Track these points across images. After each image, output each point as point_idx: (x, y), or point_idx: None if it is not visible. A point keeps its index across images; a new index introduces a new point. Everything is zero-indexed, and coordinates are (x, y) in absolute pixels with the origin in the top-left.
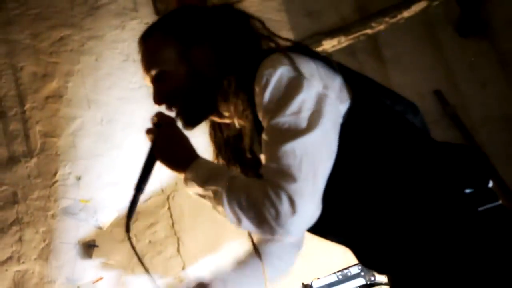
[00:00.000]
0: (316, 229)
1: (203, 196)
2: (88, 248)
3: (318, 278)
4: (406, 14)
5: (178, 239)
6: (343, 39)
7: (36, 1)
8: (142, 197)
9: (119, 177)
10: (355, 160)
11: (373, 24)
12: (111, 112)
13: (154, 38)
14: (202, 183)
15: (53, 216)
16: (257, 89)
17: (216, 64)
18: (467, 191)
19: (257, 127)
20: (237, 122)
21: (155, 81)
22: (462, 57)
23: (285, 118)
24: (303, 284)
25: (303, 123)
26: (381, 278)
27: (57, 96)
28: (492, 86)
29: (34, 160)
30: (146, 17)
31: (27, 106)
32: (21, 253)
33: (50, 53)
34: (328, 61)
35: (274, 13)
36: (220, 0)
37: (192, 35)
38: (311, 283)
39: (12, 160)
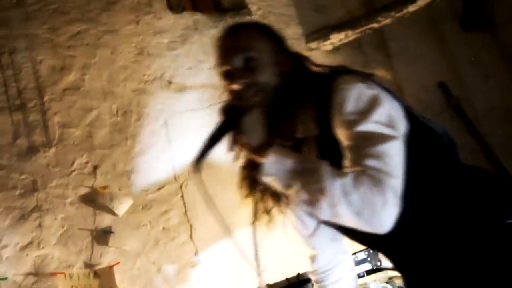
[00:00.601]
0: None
1: (286, 179)
2: (105, 234)
3: None
4: (411, 8)
5: (190, 226)
6: (350, 33)
7: None
8: (156, 186)
9: (133, 166)
10: (411, 177)
11: (379, 18)
12: (126, 104)
13: (250, 30)
14: (293, 165)
15: (71, 203)
16: (336, 102)
17: (295, 75)
18: (508, 221)
19: (320, 138)
20: (299, 132)
21: (246, 62)
22: (466, 51)
23: (371, 125)
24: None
25: (387, 131)
26: (387, 263)
27: (74, 88)
28: (495, 79)
29: (53, 150)
30: (159, 12)
31: (46, 98)
32: (41, 238)
33: (67, 47)
34: (386, 88)
35: (283, 8)
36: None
37: (282, 42)
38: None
39: (32, 150)
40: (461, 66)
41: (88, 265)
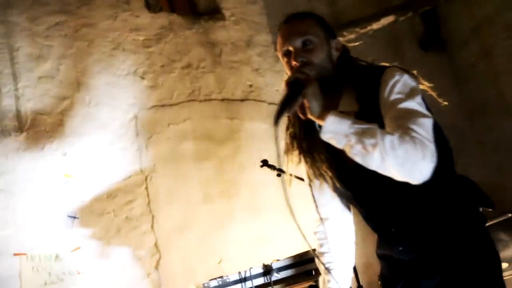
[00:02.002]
0: (367, 200)
1: (343, 137)
2: (69, 219)
3: (277, 260)
4: (375, 26)
5: (152, 216)
6: None
7: None
8: (122, 176)
9: (102, 155)
10: None
11: (344, 33)
12: (99, 95)
13: (311, 19)
14: (348, 126)
15: (38, 187)
16: (388, 83)
17: (342, 60)
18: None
19: (363, 117)
20: (341, 107)
21: (304, 44)
22: (422, 69)
23: (414, 104)
24: (263, 264)
25: (425, 111)
26: None
27: (49, 76)
28: (447, 97)
29: (24, 134)
30: (137, 10)
31: (20, 84)
32: (6, 219)
33: (45, 37)
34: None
35: (256, 16)
36: (206, 2)
37: (332, 31)
38: (271, 264)
39: (3, 134)
40: None
41: (50, 248)
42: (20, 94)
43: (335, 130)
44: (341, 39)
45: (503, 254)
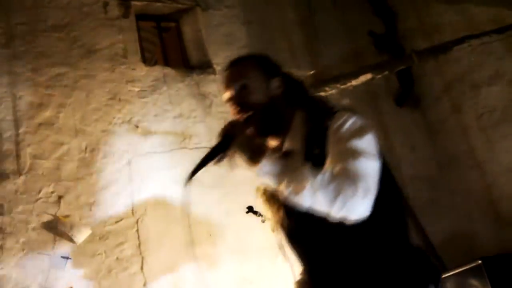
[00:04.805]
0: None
1: (278, 177)
2: (62, 259)
3: None
4: (354, 82)
5: (142, 258)
6: None
7: (41, 40)
8: (114, 218)
9: (95, 199)
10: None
11: (326, 88)
12: (95, 142)
13: (248, 63)
14: (282, 166)
15: (33, 229)
16: (336, 124)
17: (285, 98)
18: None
19: (307, 156)
20: (286, 145)
21: (240, 89)
22: (397, 123)
23: (359, 142)
24: None
25: (370, 152)
26: None
27: (49, 123)
28: (420, 150)
29: (22, 178)
30: (134, 64)
31: (21, 130)
32: (1, 260)
33: (47, 86)
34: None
35: None
36: (198, 56)
37: (274, 70)
38: None
39: (2, 176)
40: (393, 136)
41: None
42: (20, 140)
43: (269, 172)
44: (323, 93)
45: None
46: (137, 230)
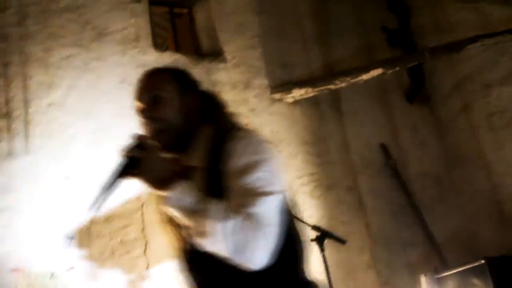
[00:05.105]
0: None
1: (183, 213)
2: (67, 239)
3: None
4: (365, 77)
5: (146, 242)
6: (310, 90)
7: (53, 21)
8: (120, 201)
9: (102, 180)
10: None
11: (336, 81)
12: (104, 124)
13: (164, 74)
14: (189, 204)
15: (40, 206)
16: (233, 148)
17: (197, 114)
18: None
19: (209, 172)
20: (191, 162)
21: (152, 100)
22: (407, 119)
23: (260, 175)
24: None
25: (270, 186)
26: None
27: (58, 104)
28: (428, 147)
29: (31, 156)
30: (144, 48)
31: (31, 109)
32: (8, 235)
33: (57, 67)
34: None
35: (255, 61)
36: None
37: (190, 85)
38: None
39: (11, 155)
40: (401, 132)
41: (46, 266)
42: (29, 119)
43: (175, 205)
44: (332, 86)
45: None
46: (142, 214)
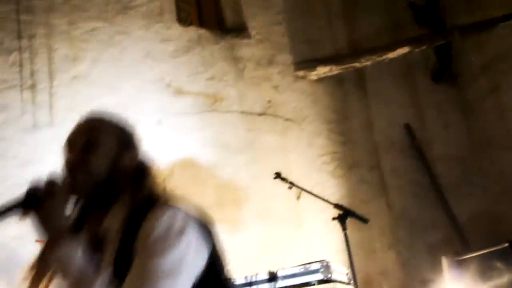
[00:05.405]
0: None
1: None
2: None
3: (283, 268)
4: (390, 55)
5: None
6: (334, 68)
7: None
8: None
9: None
10: None
11: (361, 60)
12: (127, 98)
13: (104, 123)
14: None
15: None
16: (146, 225)
17: (128, 176)
18: None
19: (120, 242)
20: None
21: (84, 147)
22: (432, 99)
23: (160, 262)
24: (269, 271)
25: (170, 277)
26: (337, 276)
27: (82, 77)
28: (453, 128)
29: (54, 129)
30: (168, 23)
31: (55, 82)
32: None
33: (82, 40)
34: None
35: (279, 37)
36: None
37: (129, 142)
38: (277, 271)
39: (35, 127)
40: (426, 113)
41: None
42: (54, 92)
43: (60, 263)
44: (357, 64)
45: (498, 282)
46: (164, 189)
